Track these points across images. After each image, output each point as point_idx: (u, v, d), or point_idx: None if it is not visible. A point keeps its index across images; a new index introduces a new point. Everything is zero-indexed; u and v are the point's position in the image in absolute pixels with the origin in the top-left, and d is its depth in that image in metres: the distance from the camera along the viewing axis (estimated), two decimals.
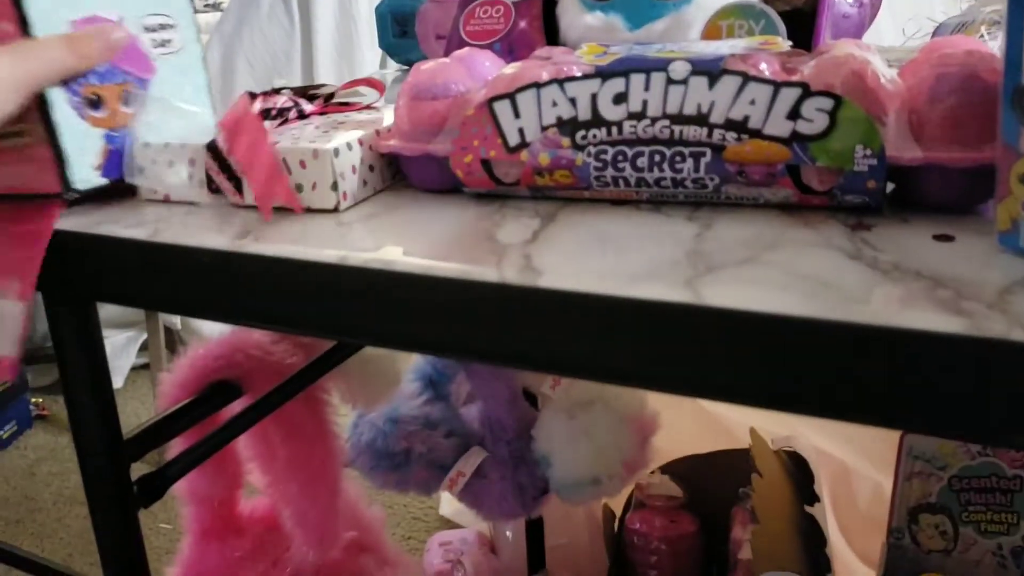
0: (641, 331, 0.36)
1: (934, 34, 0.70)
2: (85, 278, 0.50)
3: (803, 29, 0.60)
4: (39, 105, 0.47)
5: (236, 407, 0.69)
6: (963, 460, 0.85)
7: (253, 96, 0.51)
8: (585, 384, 0.95)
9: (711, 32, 0.56)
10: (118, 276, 0.49)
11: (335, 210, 0.47)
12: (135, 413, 2.14)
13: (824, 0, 0.59)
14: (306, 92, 0.56)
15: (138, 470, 0.61)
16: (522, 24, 0.63)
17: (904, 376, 0.33)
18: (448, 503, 1.58)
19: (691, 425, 1.23)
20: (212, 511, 0.74)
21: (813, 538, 0.92)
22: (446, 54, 0.64)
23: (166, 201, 0.51)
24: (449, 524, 1.55)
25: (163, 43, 0.53)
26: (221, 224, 0.47)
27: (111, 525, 0.59)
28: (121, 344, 2.30)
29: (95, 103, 0.50)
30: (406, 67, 0.96)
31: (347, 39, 1.94)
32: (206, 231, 0.47)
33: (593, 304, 0.37)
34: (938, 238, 0.39)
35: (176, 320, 2.14)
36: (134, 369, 2.34)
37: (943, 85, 0.40)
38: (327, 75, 1.99)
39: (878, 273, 0.37)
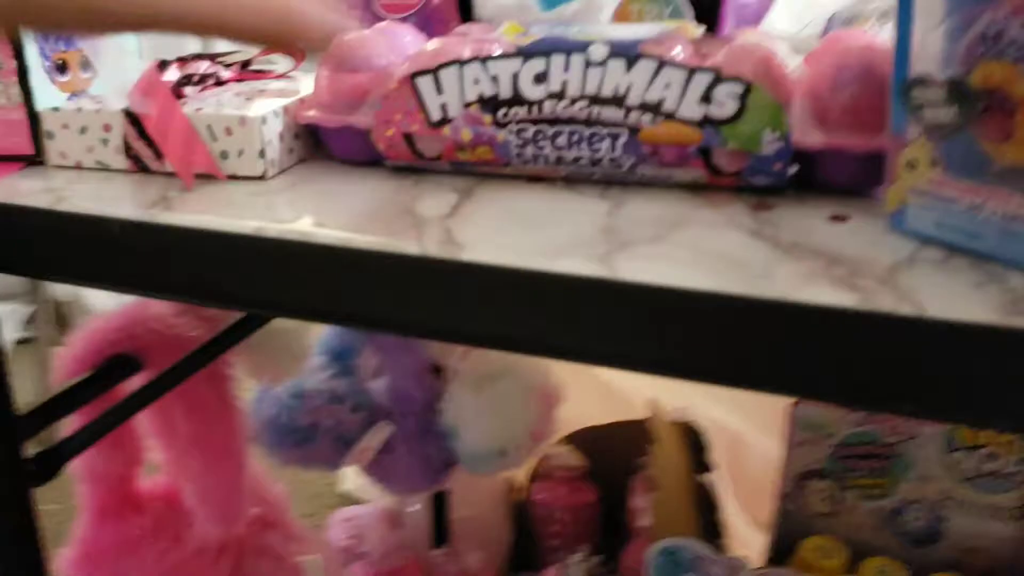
0: (558, 304, 0.38)
1: (826, 25, 0.74)
2: None
3: (708, 15, 0.62)
4: (18, 68, 0.47)
5: (136, 382, 0.68)
6: (846, 428, 0.90)
7: (167, 63, 0.50)
8: (492, 356, 0.96)
9: (621, 15, 0.58)
10: (19, 246, 0.47)
11: (262, 178, 0.47)
12: (21, 389, 2.06)
13: None
14: (222, 58, 0.55)
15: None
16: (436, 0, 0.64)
17: (803, 347, 0.36)
18: (350, 479, 1.57)
19: (592, 397, 1.26)
20: (110, 489, 0.73)
21: (707, 505, 0.97)
22: (366, 27, 0.64)
23: (78, 168, 0.50)
24: (350, 500, 1.55)
25: None
26: (136, 192, 0.47)
27: (5, 505, 0.58)
28: (2, 317, 2.21)
29: (62, 68, 0.49)
30: None
31: None
32: (119, 200, 0.46)
33: (513, 278, 0.38)
34: (834, 218, 0.42)
35: (69, 291, 2.06)
36: (18, 343, 2.25)
37: (844, 75, 0.43)
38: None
39: (779, 251, 0.39)
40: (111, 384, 0.66)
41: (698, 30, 0.48)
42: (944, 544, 0.86)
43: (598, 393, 1.29)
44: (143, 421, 0.72)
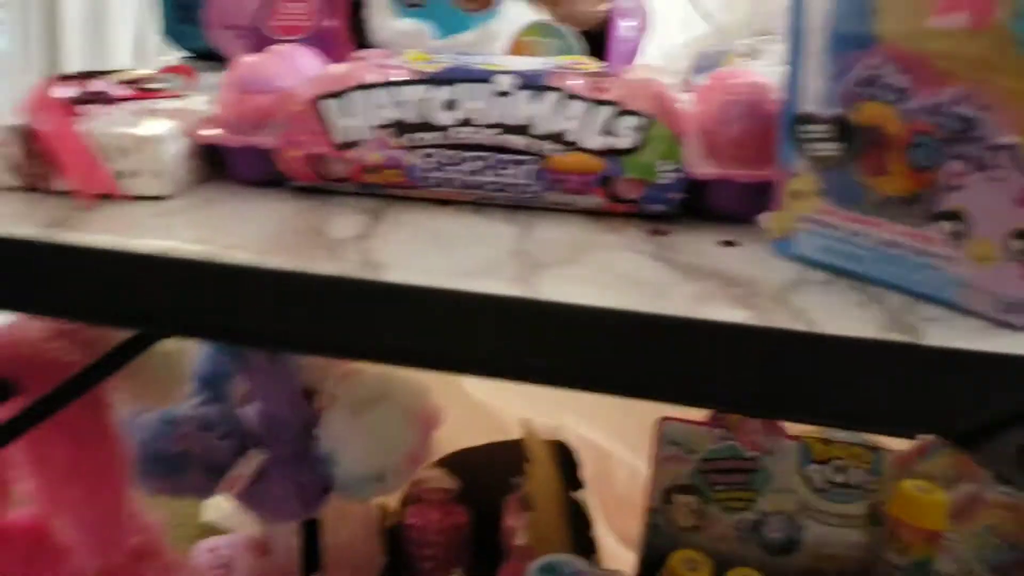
0: (481, 322, 0.39)
1: (697, 64, 0.78)
2: None
3: (594, 49, 0.65)
4: None
5: (7, 410, 0.65)
6: (710, 444, 0.95)
7: (58, 79, 0.49)
8: (369, 379, 0.96)
9: (517, 47, 0.60)
10: None
11: (162, 198, 0.47)
12: None
13: (613, 25, 0.65)
14: (113, 76, 0.54)
15: None
16: (329, 22, 0.64)
17: (705, 360, 0.39)
18: (213, 508, 1.52)
19: (464, 418, 1.28)
20: None
21: (580, 522, 0.99)
22: (254, 47, 0.64)
23: None
24: (212, 530, 1.50)
25: None
26: (31, 212, 0.45)
27: None
28: None
29: None
30: (191, 55, 0.93)
31: (97, 18, 1.82)
32: (14, 218, 0.44)
33: (438, 297, 0.39)
34: (725, 243, 0.45)
35: None
36: None
37: (732, 111, 0.46)
38: (74, 53, 1.86)
39: (677, 272, 0.42)
40: None
41: (596, 64, 0.51)
42: (802, 553, 0.91)
43: (470, 414, 1.30)
44: (12, 450, 0.68)
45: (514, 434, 1.08)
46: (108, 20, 1.84)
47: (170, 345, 0.78)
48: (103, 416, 0.71)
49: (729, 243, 0.45)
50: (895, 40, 0.38)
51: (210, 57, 0.88)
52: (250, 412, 1.02)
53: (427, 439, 0.97)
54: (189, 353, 0.86)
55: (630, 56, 0.75)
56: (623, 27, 0.72)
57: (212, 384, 1.00)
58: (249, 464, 0.98)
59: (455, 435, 1.18)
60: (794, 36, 0.40)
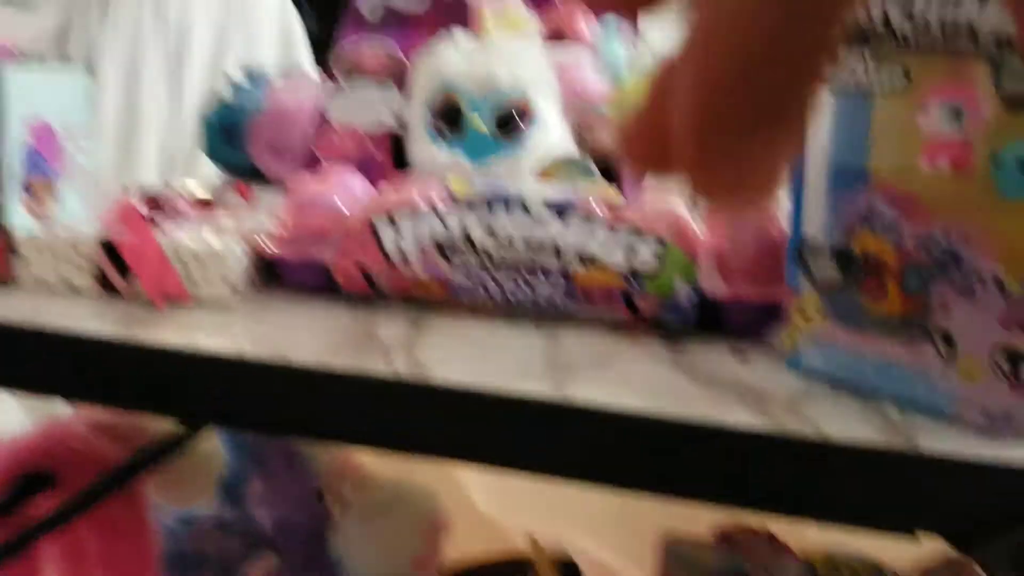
0: (517, 421, 0.43)
1: None
2: None
3: (610, 178, 0.71)
4: None
5: (46, 504, 0.68)
6: (715, 563, 0.97)
7: (140, 194, 0.54)
8: (382, 485, 0.99)
9: (546, 175, 0.66)
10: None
11: (227, 304, 0.51)
12: None
13: None
14: (185, 191, 0.59)
15: None
16: (373, 149, 0.70)
17: (724, 462, 0.43)
18: None
19: (470, 530, 1.29)
20: None
21: None
22: (301, 170, 0.69)
23: (47, 287, 0.52)
24: None
25: (74, 145, 0.56)
26: (106, 312, 0.50)
27: None
28: None
29: (33, 195, 0.52)
30: (228, 172, 1.00)
31: (130, 133, 1.91)
32: (92, 318, 0.49)
33: (477, 397, 0.43)
34: (738, 357, 0.50)
35: None
36: None
37: (743, 236, 0.51)
38: (105, 165, 1.94)
39: (697, 382, 0.46)
40: (20, 502, 0.66)
41: (619, 196, 0.56)
42: None
43: (477, 525, 1.31)
44: (46, 541, 0.71)
45: (519, 548, 1.09)
46: (138, 135, 1.93)
47: (203, 446, 0.82)
48: (139, 512, 0.74)
49: (743, 356, 0.50)
50: (887, 178, 0.43)
51: (251, 175, 0.94)
52: (264, 514, 1.05)
53: (435, 546, 1.00)
54: (219, 455, 0.89)
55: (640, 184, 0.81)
56: None
57: (231, 486, 1.02)
58: (260, 566, 1.00)
59: (461, 545, 1.19)
60: (796, 170, 0.46)
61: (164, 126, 1.89)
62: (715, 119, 0.16)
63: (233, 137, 0.94)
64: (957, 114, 0.40)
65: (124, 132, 1.93)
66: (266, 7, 1.90)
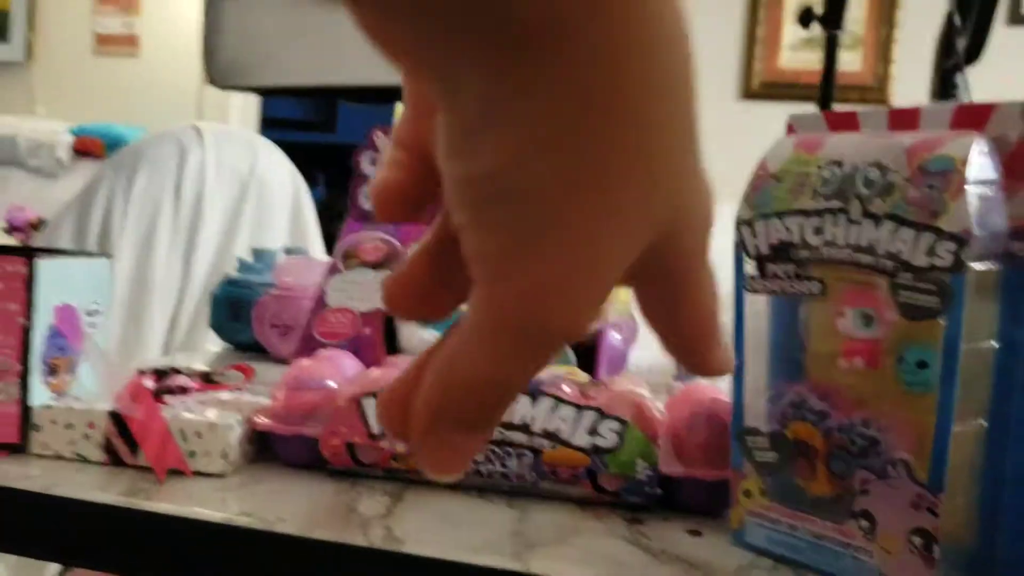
0: None
1: (678, 368, 0.90)
2: None
3: (586, 358, 0.77)
4: (21, 371, 0.57)
5: None
6: None
7: (146, 372, 0.60)
8: None
9: None
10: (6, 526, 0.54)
11: (221, 475, 0.56)
12: None
13: (603, 340, 0.77)
14: (188, 370, 0.65)
15: None
16: (367, 331, 0.77)
17: None
18: None
19: None
20: None
21: None
22: (300, 350, 0.75)
23: (57, 458, 0.57)
24: None
25: (92, 324, 0.62)
26: (112, 482, 0.54)
27: None
28: None
29: (54, 371, 0.57)
30: (232, 345, 1.06)
31: (139, 305, 1.99)
32: (98, 488, 0.54)
33: (446, 569, 0.47)
34: (691, 532, 0.54)
35: None
36: None
37: (696, 421, 0.56)
38: (112, 335, 2.01)
39: (650, 556, 0.50)
40: None
41: (584, 376, 0.62)
42: None
43: None
44: None
45: None
46: (148, 306, 2.01)
47: None
48: None
49: (696, 532, 0.54)
50: (816, 372, 0.48)
51: (252, 349, 1.01)
52: None
53: None
54: None
55: (619, 363, 0.87)
56: (613, 339, 0.85)
57: None
58: None
59: None
60: (739, 365, 0.51)
61: (174, 299, 1.97)
62: (442, 425, 0.23)
63: (239, 314, 1.01)
64: (868, 319, 0.46)
65: (134, 303, 2.01)
66: (279, 189, 2.01)
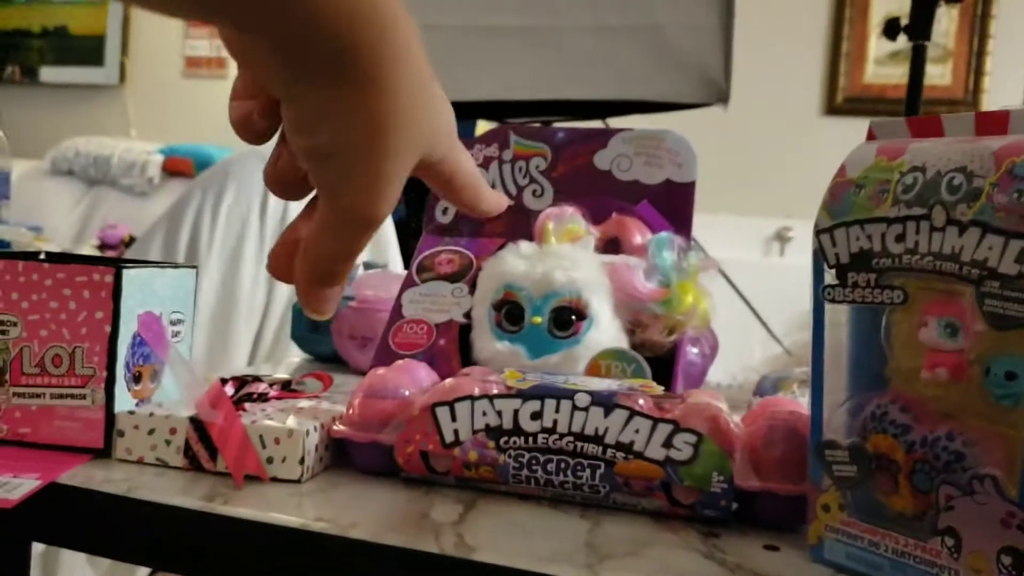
0: None
1: (759, 385, 0.88)
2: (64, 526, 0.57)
3: (661, 373, 0.76)
4: (107, 377, 0.59)
5: None
6: None
7: (226, 380, 0.61)
8: None
9: (593, 368, 0.71)
10: (92, 527, 0.56)
11: (298, 481, 0.57)
12: None
13: (680, 353, 0.76)
14: (267, 378, 0.66)
15: None
16: (441, 342, 0.77)
17: None
18: None
19: None
20: None
21: None
22: (376, 360, 0.76)
23: (139, 462, 0.59)
24: None
25: (176, 333, 0.64)
26: (192, 487, 0.56)
27: None
28: None
29: (137, 379, 0.59)
30: (313, 357, 1.08)
31: (226, 318, 2.04)
32: (179, 492, 0.55)
33: None
34: (768, 547, 0.53)
35: None
36: None
37: (774, 434, 0.55)
38: (199, 347, 2.06)
39: (726, 570, 0.49)
40: None
41: (659, 388, 0.61)
42: None
43: None
44: None
45: None
46: (234, 319, 2.06)
47: None
48: None
49: (773, 547, 0.53)
50: (898, 384, 0.47)
51: (332, 361, 1.02)
52: None
53: None
54: None
55: (699, 378, 0.86)
56: (691, 353, 0.84)
57: None
58: None
59: None
60: (817, 376, 0.50)
61: (259, 312, 2.02)
62: (314, 283, 0.43)
63: (318, 326, 1.02)
64: (953, 329, 0.44)
65: (221, 316, 2.07)
66: None
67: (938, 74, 2.89)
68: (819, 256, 0.49)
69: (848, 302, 0.48)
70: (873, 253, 0.47)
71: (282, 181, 0.44)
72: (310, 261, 0.42)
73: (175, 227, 2.01)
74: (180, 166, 3.56)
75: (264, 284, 2.00)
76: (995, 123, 0.46)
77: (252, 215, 1.96)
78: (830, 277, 0.49)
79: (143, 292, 0.62)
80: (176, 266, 0.67)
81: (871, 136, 0.52)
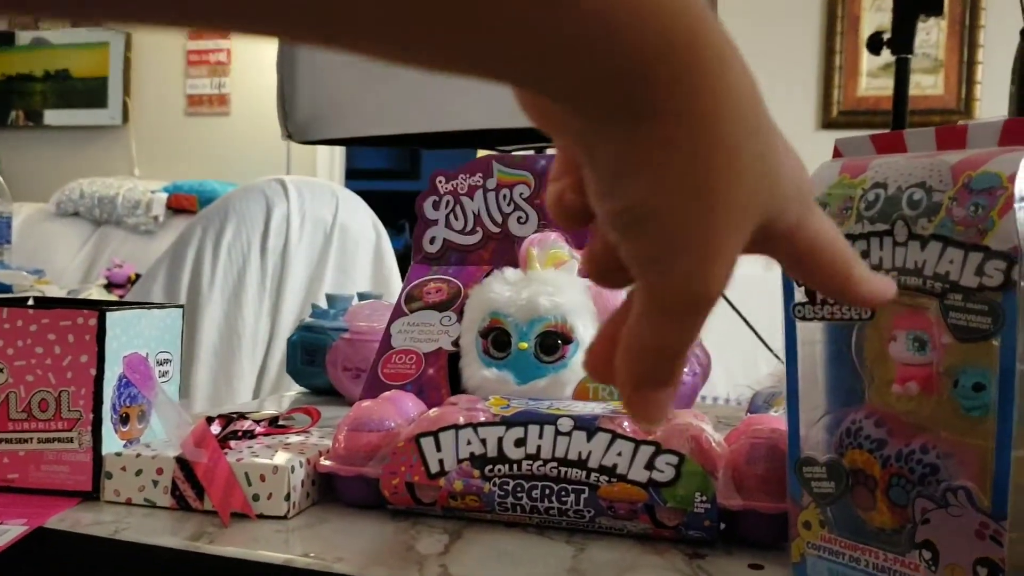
0: None
1: (751, 402, 0.88)
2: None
3: None
4: (93, 420, 0.60)
5: None
6: None
7: (212, 418, 0.62)
8: None
9: (580, 392, 0.71)
10: (81, 571, 0.56)
11: (285, 517, 0.57)
12: None
13: None
14: (254, 415, 0.67)
15: None
16: (430, 371, 0.77)
17: None
18: None
19: None
20: None
21: None
22: (365, 391, 0.77)
23: (128, 503, 0.59)
24: None
25: (163, 373, 0.65)
26: (179, 527, 0.56)
27: None
28: None
29: (125, 420, 0.60)
30: (309, 390, 1.08)
31: (229, 353, 2.05)
32: (166, 532, 0.55)
33: None
34: (753, 567, 0.53)
35: None
36: None
37: (755, 452, 0.55)
38: (203, 383, 2.07)
39: None
40: None
41: None
42: None
43: None
44: None
45: None
46: (237, 356, 2.07)
47: None
48: None
49: (757, 566, 0.53)
50: (873, 399, 0.47)
51: (328, 393, 1.03)
52: None
53: None
54: None
55: (690, 397, 0.86)
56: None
57: None
58: None
59: None
60: (793, 394, 0.50)
61: (262, 347, 2.03)
62: (641, 386, 0.32)
63: (314, 358, 1.03)
64: (921, 343, 0.45)
65: (224, 352, 2.08)
66: (361, 236, 2.06)
67: (931, 84, 2.89)
68: (788, 275, 0.49)
69: (818, 319, 0.49)
70: None
71: (599, 267, 0.35)
72: (631, 358, 0.32)
73: (177, 264, 2.03)
74: (184, 203, 3.59)
75: (267, 318, 2.01)
76: (955, 137, 0.47)
77: (253, 250, 1.98)
78: (800, 295, 0.49)
79: (128, 333, 0.63)
80: (162, 306, 0.67)
81: (837, 153, 0.52)
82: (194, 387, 2.06)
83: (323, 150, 3.85)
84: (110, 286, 3.36)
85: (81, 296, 2.50)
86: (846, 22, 3.01)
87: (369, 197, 2.18)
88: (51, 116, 4.31)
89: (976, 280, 0.41)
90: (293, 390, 1.18)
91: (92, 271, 3.65)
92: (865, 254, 0.46)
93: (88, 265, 3.72)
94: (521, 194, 0.82)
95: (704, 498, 0.54)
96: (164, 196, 3.62)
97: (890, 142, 0.50)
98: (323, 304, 1.11)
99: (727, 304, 1.43)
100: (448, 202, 0.84)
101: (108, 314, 0.60)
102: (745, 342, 1.58)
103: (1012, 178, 0.42)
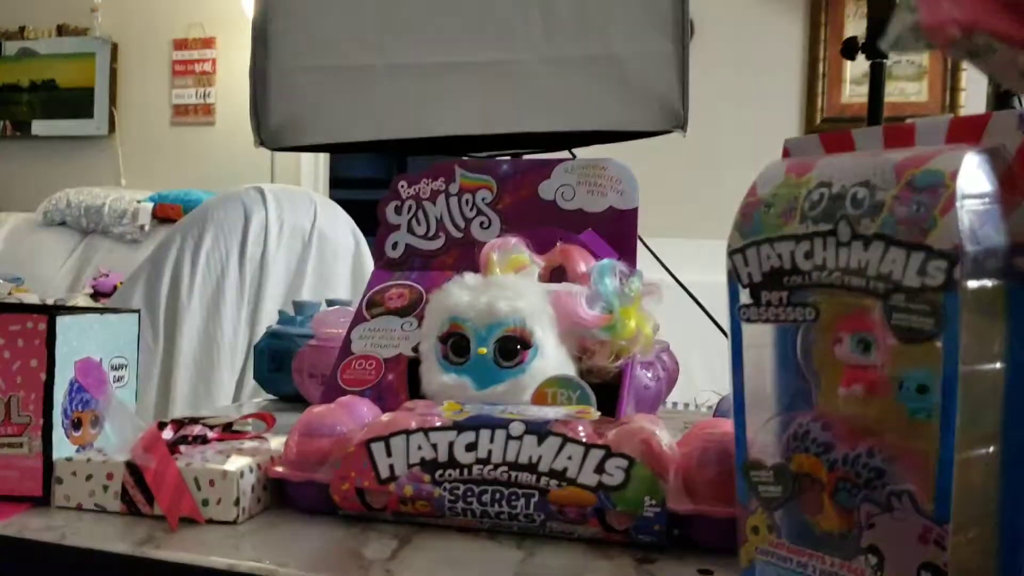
0: None
1: (718, 406, 0.88)
2: None
3: (610, 399, 0.75)
4: (43, 425, 0.59)
5: None
6: None
7: (165, 423, 0.61)
8: None
9: (539, 397, 0.71)
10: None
11: (234, 522, 0.56)
12: None
13: (626, 377, 0.76)
14: (207, 420, 0.66)
15: None
16: (390, 377, 0.77)
17: None
18: None
19: None
20: None
21: None
22: (324, 397, 0.76)
23: (79, 508, 0.59)
24: None
25: (119, 378, 0.64)
26: (128, 532, 0.55)
27: None
28: None
29: (77, 425, 0.59)
30: (275, 397, 1.07)
31: (208, 360, 2.04)
32: (114, 537, 0.54)
33: None
34: (702, 572, 0.52)
35: None
36: None
37: (706, 456, 0.55)
38: (184, 390, 2.06)
39: None
40: None
41: (596, 413, 0.61)
42: None
43: None
44: None
45: None
46: (217, 362, 2.06)
47: None
48: None
49: (707, 572, 0.52)
50: (821, 403, 0.47)
51: (295, 400, 1.02)
52: None
53: None
54: None
55: (652, 403, 0.85)
56: (644, 377, 0.83)
57: None
58: None
59: None
60: (738, 397, 0.50)
61: (241, 354, 2.02)
62: None
63: (280, 365, 1.02)
64: (866, 344, 0.44)
65: (203, 359, 2.06)
66: (340, 244, 2.05)
67: (915, 91, 2.91)
68: (733, 277, 0.49)
69: (762, 321, 0.48)
70: (784, 271, 0.47)
71: None
72: None
73: (157, 272, 2.01)
74: (170, 212, 3.58)
75: (245, 325, 2.00)
76: (903, 136, 0.47)
77: (231, 258, 1.97)
78: (744, 297, 0.48)
79: (80, 339, 0.62)
80: (117, 311, 0.67)
81: (786, 153, 0.52)
82: (174, 393, 2.05)
83: (307, 159, 3.84)
84: (96, 295, 3.35)
85: (68, 305, 2.48)
86: (829, 30, 3.02)
87: (353, 206, 2.18)
88: (38, 126, 4.30)
89: (919, 280, 0.41)
90: (265, 398, 1.17)
91: (79, 280, 3.64)
92: (809, 255, 0.46)
93: (75, 274, 3.71)
94: (483, 199, 0.82)
95: (654, 502, 0.54)
96: (150, 205, 3.61)
97: (839, 142, 0.49)
98: (289, 309, 1.10)
99: (703, 311, 1.43)
100: (411, 207, 0.84)
101: (58, 319, 0.60)
102: (723, 348, 1.57)
103: (955, 175, 0.41)
